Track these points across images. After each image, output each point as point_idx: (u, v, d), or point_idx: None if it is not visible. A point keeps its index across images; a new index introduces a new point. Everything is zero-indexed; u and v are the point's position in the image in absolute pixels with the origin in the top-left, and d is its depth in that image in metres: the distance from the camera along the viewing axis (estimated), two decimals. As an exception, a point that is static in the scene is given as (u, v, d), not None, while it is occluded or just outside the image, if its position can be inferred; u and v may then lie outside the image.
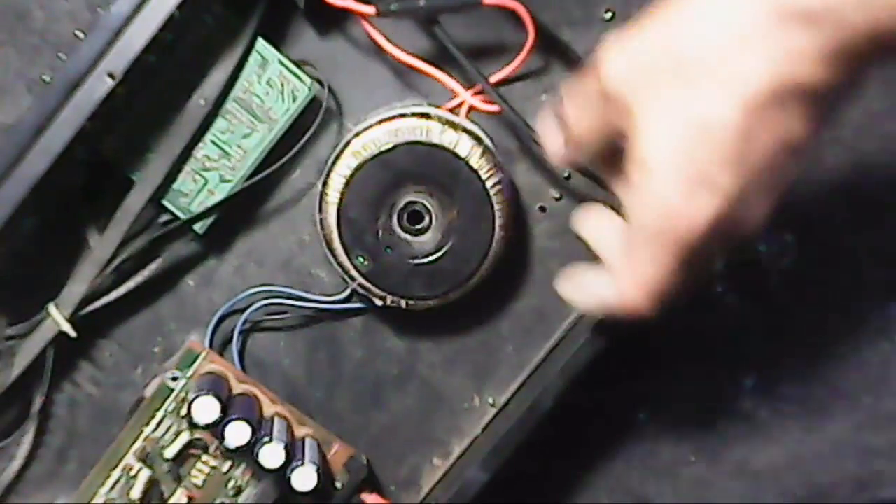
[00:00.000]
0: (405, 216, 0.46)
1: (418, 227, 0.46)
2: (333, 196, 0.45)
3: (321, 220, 0.46)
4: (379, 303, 0.47)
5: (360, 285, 0.46)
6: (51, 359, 0.47)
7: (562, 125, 0.39)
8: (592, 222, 0.42)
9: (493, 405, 0.51)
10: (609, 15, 0.47)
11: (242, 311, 0.49)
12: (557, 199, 0.49)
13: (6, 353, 0.46)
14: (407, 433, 0.51)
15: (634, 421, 0.53)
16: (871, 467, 0.53)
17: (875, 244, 0.52)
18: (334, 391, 0.49)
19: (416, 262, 0.46)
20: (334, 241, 0.46)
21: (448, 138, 0.45)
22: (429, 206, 0.46)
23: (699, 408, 0.53)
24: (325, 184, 0.46)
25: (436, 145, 0.45)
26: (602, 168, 0.40)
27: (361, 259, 0.45)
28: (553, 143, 0.40)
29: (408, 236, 0.46)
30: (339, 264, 0.46)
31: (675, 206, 0.33)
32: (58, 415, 0.49)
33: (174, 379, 0.47)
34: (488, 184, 0.45)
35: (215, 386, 0.46)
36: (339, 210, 0.45)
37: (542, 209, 0.49)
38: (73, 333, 0.46)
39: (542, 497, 0.53)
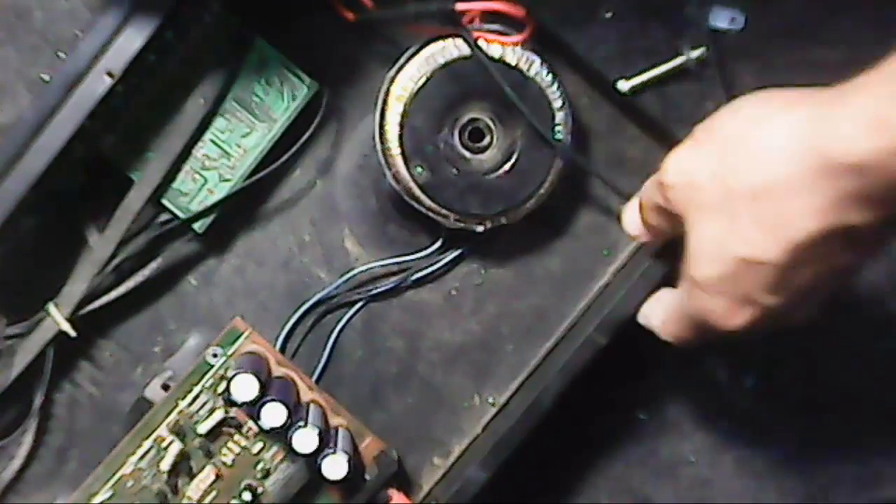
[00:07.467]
0: (466, 133, 0.46)
1: (479, 144, 0.46)
2: (397, 107, 0.45)
3: (381, 131, 0.46)
4: (480, 228, 0.47)
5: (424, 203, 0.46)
6: (51, 358, 0.47)
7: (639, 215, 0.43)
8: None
9: (493, 405, 0.51)
10: (609, 15, 0.47)
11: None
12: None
13: (6, 352, 0.46)
14: (407, 433, 0.51)
15: (634, 421, 0.53)
16: (871, 467, 0.53)
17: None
18: (334, 391, 0.49)
19: (475, 178, 0.46)
20: (394, 151, 0.46)
21: (514, 56, 0.46)
22: (491, 125, 0.46)
23: (699, 408, 0.53)
24: (387, 92, 0.46)
25: (504, 62, 0.45)
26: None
27: (420, 169, 0.45)
28: (633, 228, 0.44)
29: (467, 153, 0.46)
30: (399, 179, 0.46)
31: (717, 315, 0.38)
32: (58, 415, 0.49)
33: (214, 356, 0.47)
34: (550, 91, 0.46)
35: (255, 366, 0.46)
36: (402, 118, 0.45)
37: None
38: (72, 333, 0.46)
39: (542, 497, 0.53)
